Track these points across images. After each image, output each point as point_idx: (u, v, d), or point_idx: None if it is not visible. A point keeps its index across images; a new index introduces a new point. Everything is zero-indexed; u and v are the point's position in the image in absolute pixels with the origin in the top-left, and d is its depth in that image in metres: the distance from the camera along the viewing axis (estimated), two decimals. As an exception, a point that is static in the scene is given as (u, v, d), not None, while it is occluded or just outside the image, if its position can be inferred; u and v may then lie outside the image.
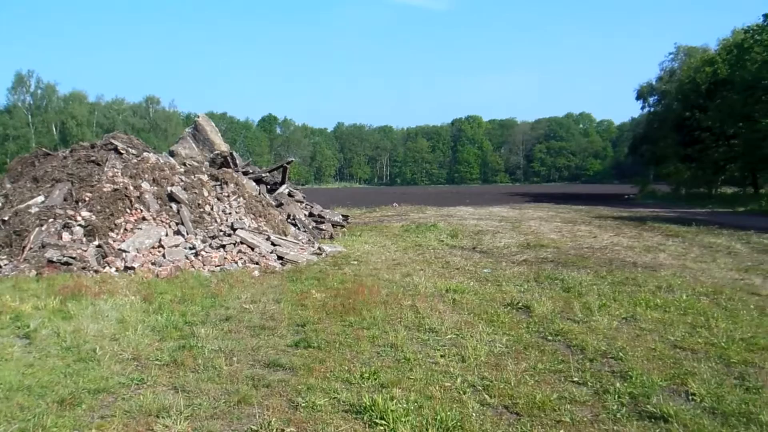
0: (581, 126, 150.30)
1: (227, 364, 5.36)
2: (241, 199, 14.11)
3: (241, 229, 12.36)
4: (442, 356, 5.59)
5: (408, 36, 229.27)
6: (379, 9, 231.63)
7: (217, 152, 17.16)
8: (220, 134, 19.34)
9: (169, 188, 12.71)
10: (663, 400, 4.48)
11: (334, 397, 4.57)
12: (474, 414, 4.27)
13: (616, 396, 4.61)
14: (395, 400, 4.41)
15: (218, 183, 14.20)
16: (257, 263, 11.26)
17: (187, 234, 11.81)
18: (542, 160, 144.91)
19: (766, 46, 36.20)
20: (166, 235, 11.62)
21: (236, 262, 11.19)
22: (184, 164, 14.99)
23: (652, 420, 4.19)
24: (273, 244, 12.45)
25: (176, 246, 11.33)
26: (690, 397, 4.58)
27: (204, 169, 14.85)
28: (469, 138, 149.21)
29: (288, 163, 19.35)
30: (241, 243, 11.90)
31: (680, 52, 55.86)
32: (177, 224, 12.03)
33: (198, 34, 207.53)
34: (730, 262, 11.41)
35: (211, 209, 13.06)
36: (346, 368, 5.23)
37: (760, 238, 15.32)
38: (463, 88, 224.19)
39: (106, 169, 12.86)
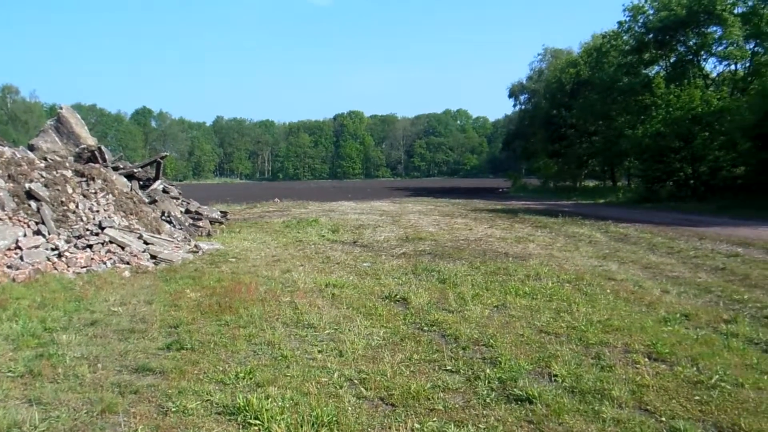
0: (459, 122, 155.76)
1: (91, 371, 5.03)
2: (110, 195, 13.32)
3: (110, 227, 11.66)
4: (319, 352, 5.58)
5: (289, 30, 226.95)
6: (260, 2, 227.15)
7: (83, 146, 16.10)
8: (86, 127, 18.16)
9: (27, 185, 11.75)
10: (528, 382, 4.72)
11: (207, 400, 4.43)
12: (350, 408, 4.29)
13: (486, 381, 4.81)
14: (270, 399, 4.34)
15: (84, 179, 13.31)
16: (128, 263, 10.68)
17: (49, 234, 10.97)
18: (422, 155, 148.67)
19: (620, 51, 39.18)
20: (24, 235, 10.73)
21: (105, 263, 10.55)
22: (45, 159, 13.92)
23: (518, 402, 4.41)
24: (145, 242, 11.86)
25: (36, 247, 10.48)
26: (553, 378, 4.86)
27: (68, 164, 13.86)
28: (351, 133, 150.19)
29: (162, 157, 18.54)
30: (110, 242, 11.23)
31: (547, 54, 59.32)
32: (37, 224, 11.14)
33: (65, 21, 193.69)
34: (591, 251, 12.26)
35: (77, 207, 12.22)
36: (221, 369, 5.09)
37: (616, 227, 16.61)
38: (345, 83, 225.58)
39: (-49, 164, 11.68)
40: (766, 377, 4.79)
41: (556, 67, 54.10)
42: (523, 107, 63.23)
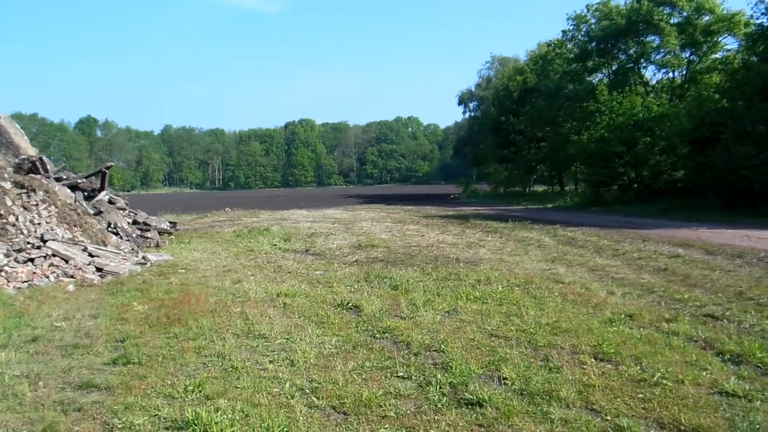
0: (410, 129, 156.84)
1: (32, 389, 4.86)
2: (53, 207, 12.91)
3: (53, 240, 11.30)
4: (271, 362, 5.52)
5: (238, 37, 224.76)
6: (208, 9, 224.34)
7: (23, 157, 15.55)
8: (27, 137, 17.58)
9: (-38, 198, 11.29)
10: (479, 386, 4.78)
11: (155, 415, 4.33)
12: (302, 417, 4.26)
13: (438, 387, 4.84)
14: (220, 411, 4.28)
15: (25, 191, 12.85)
16: (72, 276, 10.36)
17: (-13, 248, 10.56)
18: (374, 163, 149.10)
19: (565, 59, 40.22)
20: (-40, 250, 10.31)
21: (47, 277, 10.20)
22: (-18, 170, 13.40)
23: (469, 406, 4.46)
24: (91, 255, 11.53)
25: (-27, 262, 10.08)
26: (502, 381, 4.94)
27: (7, 175, 13.36)
28: (302, 141, 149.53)
29: (107, 167, 18.10)
30: (53, 255, 10.87)
31: (495, 62, 60.46)
32: (-27, 238, 10.72)
33: (2, 26, 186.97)
34: (539, 254, 12.50)
35: (16, 219, 11.79)
36: (169, 382, 4.98)
37: (564, 231, 16.99)
38: (296, 91, 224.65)
39: None
40: (704, 373, 4.97)
41: (503, 74, 55.17)
42: (472, 114, 64.28)
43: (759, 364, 5.20)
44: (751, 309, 7.17)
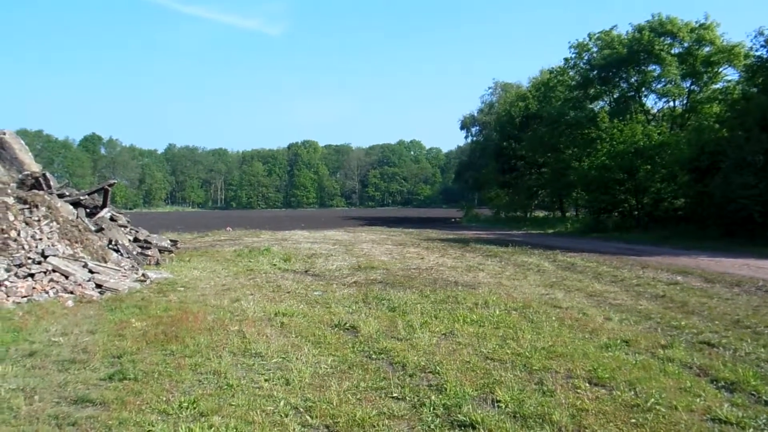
0: (412, 153, 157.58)
1: (27, 403, 4.88)
2: (55, 223, 12.98)
3: (54, 256, 11.36)
4: (266, 380, 5.54)
5: (243, 58, 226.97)
6: (214, 31, 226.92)
7: (27, 173, 15.67)
8: (31, 153, 17.75)
9: (-35, 212, 11.37)
10: (473, 408, 4.80)
11: (149, 430, 4.35)
12: (295, 436, 4.28)
13: (432, 408, 4.86)
14: (214, 428, 4.31)
15: (27, 206, 12.94)
16: (72, 292, 10.39)
17: (-12, 262, 10.61)
18: (376, 185, 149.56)
19: (567, 86, 40.58)
20: (-39, 264, 10.36)
21: (47, 292, 10.23)
22: (-14, 185, 13.51)
23: (462, 428, 4.48)
24: (91, 271, 11.57)
25: (-27, 276, 10.12)
26: (496, 404, 4.95)
27: (10, 190, 13.47)
28: (305, 162, 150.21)
29: (110, 185, 18.19)
30: (54, 271, 10.92)
31: (498, 87, 60.94)
32: (-25, 252, 10.78)
33: (9, 44, 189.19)
34: (538, 279, 12.52)
35: (18, 235, 11.85)
36: (164, 399, 5.00)
37: (564, 256, 17.02)
38: (300, 113, 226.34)
39: None
40: (698, 400, 4.99)
41: (506, 100, 55.59)
42: (474, 139, 64.58)
43: (753, 392, 5.22)
44: (747, 337, 7.18)
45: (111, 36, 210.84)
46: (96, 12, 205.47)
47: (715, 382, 5.52)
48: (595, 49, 37.92)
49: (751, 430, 4.42)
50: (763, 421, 4.57)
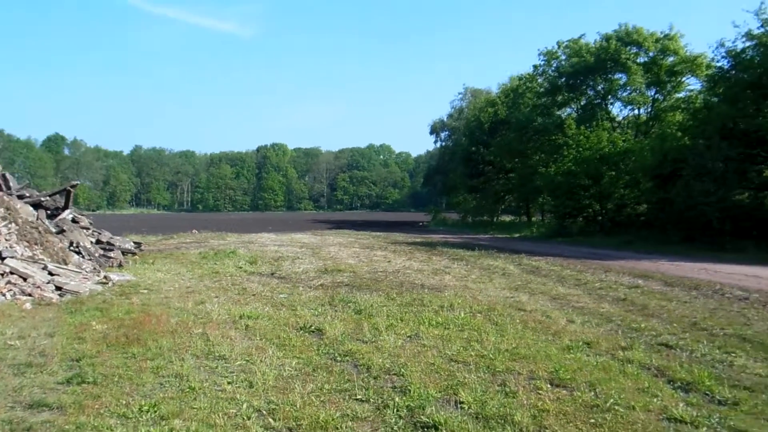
0: (382, 157, 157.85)
1: (-20, 408, 4.76)
2: (13, 225, 12.69)
3: (12, 258, 11.10)
4: (229, 383, 5.49)
5: (212, 60, 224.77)
6: (183, 31, 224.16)
7: (-16, 173, 15.30)
8: (-11, 152, 17.29)
9: None
10: (436, 410, 4.82)
11: (107, 434, 4.28)
12: (257, 438, 4.25)
13: (395, 410, 4.87)
14: (174, 432, 4.25)
15: (-16, 206, 12.64)
16: (30, 295, 10.16)
17: (-58, 264, 10.32)
18: (345, 189, 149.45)
19: (536, 93, 41.15)
20: None
21: (4, 294, 9.99)
22: (-59, 185, 13.15)
23: (425, 429, 4.50)
24: (51, 273, 11.34)
25: (-73, 278, 9.84)
26: (459, 405, 4.98)
27: (-33, 190, 13.14)
28: (274, 165, 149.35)
29: (72, 186, 17.87)
30: (11, 273, 10.67)
31: (468, 93, 61.48)
32: (-71, 253, 10.48)
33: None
34: (503, 282, 12.65)
35: (-25, 236, 11.57)
36: (124, 402, 4.92)
37: (529, 260, 17.23)
38: (269, 116, 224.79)
39: None
40: (655, 400, 5.10)
41: (475, 105, 56.14)
42: (443, 144, 65.03)
43: (707, 392, 5.35)
44: (703, 339, 7.36)
45: (78, 35, 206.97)
46: (62, 11, 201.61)
47: (671, 383, 5.65)
48: (563, 57, 38.54)
49: (705, 428, 4.53)
50: (716, 420, 4.69)
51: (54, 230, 14.54)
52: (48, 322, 8.08)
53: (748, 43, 23.28)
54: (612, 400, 5.04)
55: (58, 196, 17.76)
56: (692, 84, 34.35)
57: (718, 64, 26.25)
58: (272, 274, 13.85)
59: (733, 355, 6.65)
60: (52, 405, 4.88)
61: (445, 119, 63.79)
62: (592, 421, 4.64)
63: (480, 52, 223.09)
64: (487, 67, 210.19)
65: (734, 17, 37.48)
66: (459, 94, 64.01)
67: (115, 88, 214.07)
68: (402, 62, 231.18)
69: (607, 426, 4.52)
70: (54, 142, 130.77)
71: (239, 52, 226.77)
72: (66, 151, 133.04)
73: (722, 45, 24.68)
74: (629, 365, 6.16)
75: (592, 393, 5.27)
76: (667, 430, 4.50)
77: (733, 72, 24.20)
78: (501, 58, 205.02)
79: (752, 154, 22.79)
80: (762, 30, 22.62)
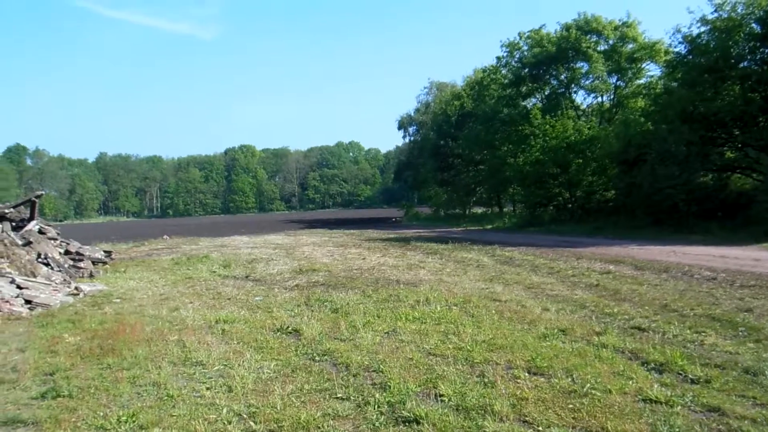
0: (351, 154, 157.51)
1: (-48, 428, 4.66)
2: (-23, 238, 12.40)
3: (-23, 273, 10.85)
4: (208, 389, 5.45)
5: (175, 63, 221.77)
6: (143, 34, 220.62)
7: (-56, 186, 14.90)
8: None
9: None
10: (416, 404, 4.85)
11: (86, 447, 4.22)
12: (239, 443, 4.23)
13: (376, 406, 4.89)
14: (154, 441, 4.21)
15: (-54, 222, 12.32)
16: (-2, 310, 9.94)
17: None
18: (316, 188, 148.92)
19: (500, 84, 41.46)
20: None
21: (-29, 311, 9.75)
22: None
23: (407, 423, 4.52)
24: (19, 287, 11.09)
25: None
26: (439, 398, 5.02)
27: (-73, 206, 12.79)
28: (243, 167, 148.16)
29: (37, 196, 17.51)
30: (-23, 289, 10.42)
31: (433, 87, 61.59)
32: None
33: None
34: (478, 274, 12.75)
35: (-63, 252, 11.27)
36: (101, 414, 4.85)
37: (502, 251, 17.40)
38: (236, 118, 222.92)
39: None
40: (630, 382, 5.20)
41: (441, 99, 56.30)
42: (412, 138, 65.08)
43: (680, 372, 5.48)
44: (674, 320, 7.53)
45: (32, 41, 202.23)
46: (15, 15, 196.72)
47: (645, 365, 5.76)
48: (525, 48, 38.84)
49: (679, 407, 4.64)
50: (690, 398, 4.81)
51: (20, 242, 14.24)
52: (18, 337, 7.93)
53: (703, 28, 23.74)
54: (589, 385, 5.12)
55: (22, 207, 17.38)
56: (652, 70, 35.04)
57: (676, 50, 26.75)
58: (247, 277, 13.75)
59: (704, 334, 6.82)
60: (27, 421, 4.79)
61: (412, 114, 63.81)
62: (570, 406, 4.71)
63: (444, 46, 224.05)
64: (452, 60, 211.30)
65: (689, 3, 38.36)
66: (425, 88, 64.09)
67: (76, 94, 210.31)
68: (368, 58, 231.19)
69: (585, 410, 4.60)
70: (15, 153, 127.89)
71: (200, 54, 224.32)
72: (29, 161, 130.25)
73: (678, 31, 25.14)
74: (604, 350, 6.27)
75: (569, 379, 5.35)
76: (643, 411, 4.60)
77: (691, 57, 24.66)
78: (465, 51, 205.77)
79: (713, 137, 23.33)
80: (716, 15, 23.09)
